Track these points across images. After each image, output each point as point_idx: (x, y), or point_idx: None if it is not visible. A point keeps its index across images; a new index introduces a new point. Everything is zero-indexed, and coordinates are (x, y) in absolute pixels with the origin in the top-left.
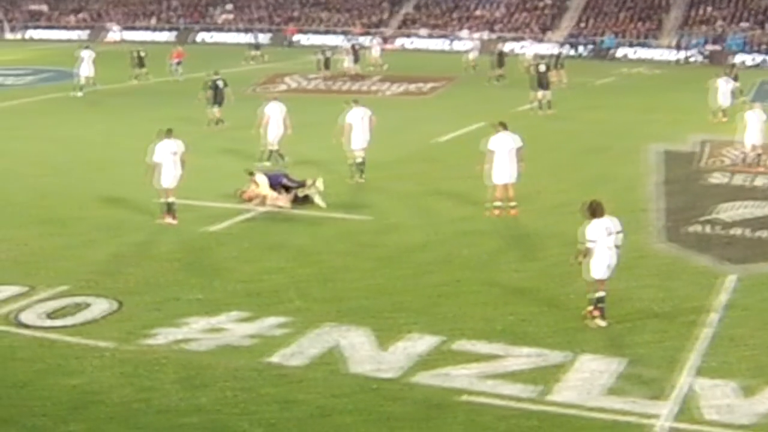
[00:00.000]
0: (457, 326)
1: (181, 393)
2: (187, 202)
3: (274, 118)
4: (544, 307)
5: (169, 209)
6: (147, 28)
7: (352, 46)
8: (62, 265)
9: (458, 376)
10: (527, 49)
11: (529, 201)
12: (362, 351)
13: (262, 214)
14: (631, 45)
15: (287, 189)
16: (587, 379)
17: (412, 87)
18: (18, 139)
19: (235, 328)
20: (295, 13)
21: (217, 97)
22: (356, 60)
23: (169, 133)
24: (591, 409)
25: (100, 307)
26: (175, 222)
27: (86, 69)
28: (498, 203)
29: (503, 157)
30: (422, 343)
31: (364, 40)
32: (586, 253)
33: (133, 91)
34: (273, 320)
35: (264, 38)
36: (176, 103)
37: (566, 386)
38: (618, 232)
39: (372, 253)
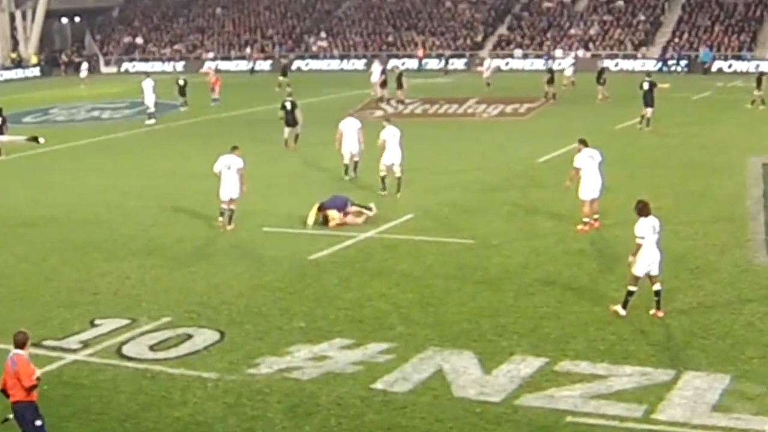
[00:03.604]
0: (559, 347)
1: (285, 422)
2: (288, 230)
3: (348, 133)
4: (646, 326)
5: (226, 216)
6: (242, 58)
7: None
8: (164, 296)
9: (562, 398)
10: (566, 64)
11: (631, 219)
12: (466, 375)
13: (362, 241)
14: (726, 58)
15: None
16: (691, 396)
17: (509, 108)
18: (118, 172)
19: (338, 355)
20: (390, 38)
21: (289, 119)
22: (399, 86)
23: (233, 149)
24: (696, 427)
25: (202, 337)
26: (231, 227)
27: (149, 98)
28: (587, 219)
29: (588, 173)
30: (525, 365)
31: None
32: (637, 250)
33: (229, 120)
34: (376, 346)
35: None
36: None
37: (671, 404)
38: (659, 233)
39: (473, 276)
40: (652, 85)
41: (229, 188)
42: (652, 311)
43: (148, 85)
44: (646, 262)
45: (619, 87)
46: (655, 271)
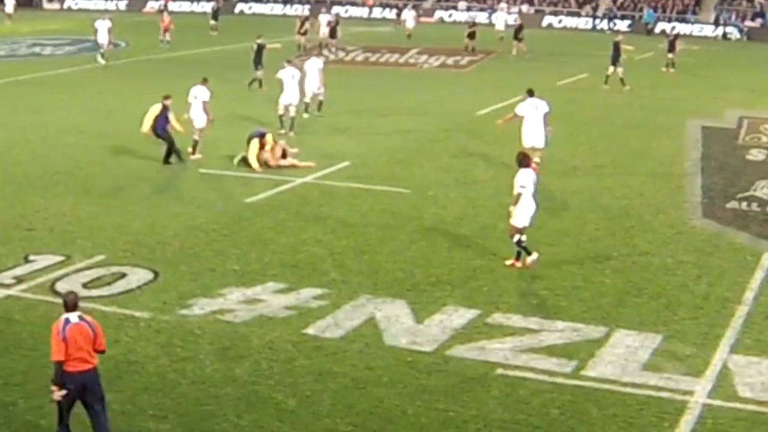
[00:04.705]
0: (492, 300)
1: (216, 364)
2: (225, 172)
3: (311, 72)
4: (579, 282)
5: (194, 145)
6: None
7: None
8: (99, 234)
9: (493, 350)
10: (497, 20)
11: (567, 176)
12: (398, 324)
13: (299, 186)
14: (670, 20)
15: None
16: (622, 354)
17: (450, 60)
18: (58, 108)
19: (271, 299)
20: None
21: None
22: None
23: (204, 81)
24: (625, 385)
25: (136, 277)
26: (196, 156)
27: (102, 38)
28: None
29: (531, 122)
30: (457, 316)
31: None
32: (518, 198)
33: (169, 60)
34: (309, 292)
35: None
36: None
37: (601, 361)
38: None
39: (408, 226)
40: (616, 45)
41: (195, 117)
42: (509, 261)
43: (103, 25)
44: (527, 213)
45: (563, 44)
46: (526, 223)
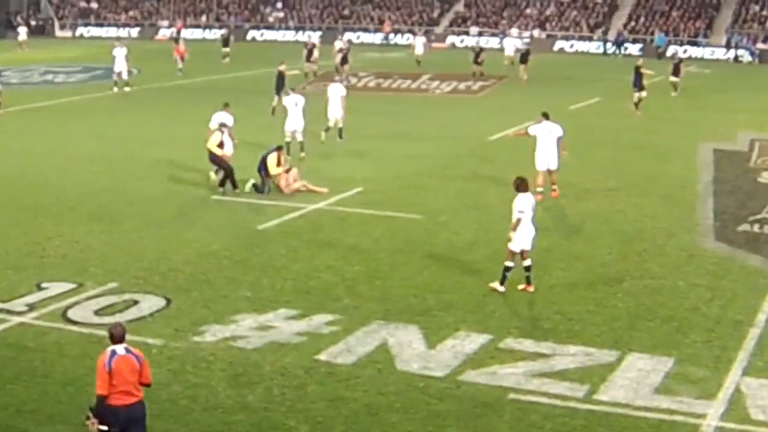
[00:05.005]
0: (504, 325)
1: (228, 390)
2: (237, 199)
3: (333, 99)
4: (592, 306)
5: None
6: (198, 26)
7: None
8: (111, 261)
9: (505, 375)
10: (507, 45)
11: (580, 199)
12: (410, 349)
13: (311, 213)
14: (681, 44)
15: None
16: (634, 378)
17: (462, 86)
18: (70, 136)
19: (283, 325)
20: (346, 11)
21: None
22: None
23: (225, 106)
24: (638, 408)
25: (148, 304)
26: (216, 178)
27: (120, 65)
28: (540, 189)
29: (544, 145)
30: (470, 341)
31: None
32: (518, 223)
33: (182, 88)
34: (321, 318)
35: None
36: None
37: (613, 385)
38: (534, 210)
39: (420, 251)
40: (637, 68)
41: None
42: (521, 286)
43: (120, 53)
44: (524, 237)
45: (575, 69)
46: (527, 247)
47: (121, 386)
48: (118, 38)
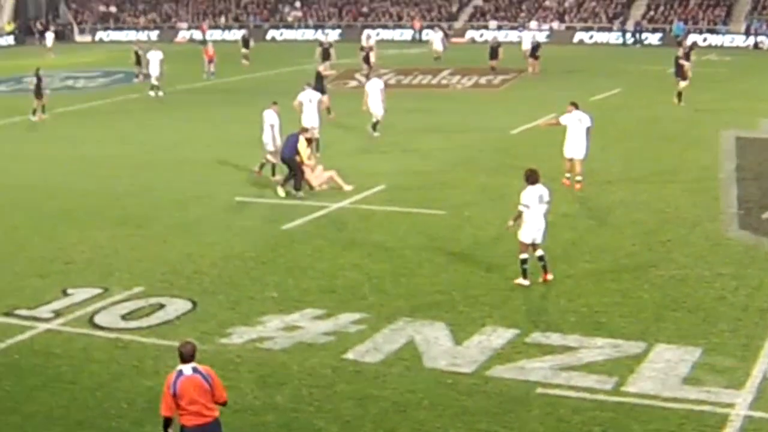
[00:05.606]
0: (531, 319)
1: (256, 392)
2: (261, 200)
3: (373, 94)
4: (618, 298)
5: (261, 167)
6: (217, 27)
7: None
8: (137, 266)
9: (533, 369)
10: (524, 38)
11: (604, 190)
12: (437, 346)
13: (335, 211)
14: (700, 32)
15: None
16: (662, 369)
17: (483, 80)
18: (92, 141)
19: (310, 325)
20: (364, 9)
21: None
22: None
23: (273, 104)
24: (666, 400)
25: (174, 307)
26: (260, 174)
27: (155, 69)
28: (567, 175)
29: (573, 134)
30: (496, 336)
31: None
32: (519, 216)
33: (204, 89)
34: (348, 317)
35: (333, 35)
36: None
37: (641, 377)
38: (548, 202)
39: (445, 248)
40: (677, 59)
41: (266, 141)
42: (540, 278)
43: (155, 56)
44: (533, 229)
45: (595, 60)
46: (539, 240)
47: (189, 407)
48: (138, 41)
